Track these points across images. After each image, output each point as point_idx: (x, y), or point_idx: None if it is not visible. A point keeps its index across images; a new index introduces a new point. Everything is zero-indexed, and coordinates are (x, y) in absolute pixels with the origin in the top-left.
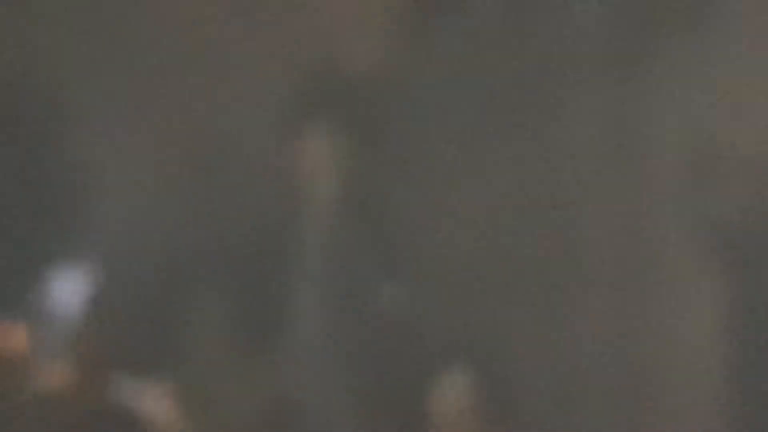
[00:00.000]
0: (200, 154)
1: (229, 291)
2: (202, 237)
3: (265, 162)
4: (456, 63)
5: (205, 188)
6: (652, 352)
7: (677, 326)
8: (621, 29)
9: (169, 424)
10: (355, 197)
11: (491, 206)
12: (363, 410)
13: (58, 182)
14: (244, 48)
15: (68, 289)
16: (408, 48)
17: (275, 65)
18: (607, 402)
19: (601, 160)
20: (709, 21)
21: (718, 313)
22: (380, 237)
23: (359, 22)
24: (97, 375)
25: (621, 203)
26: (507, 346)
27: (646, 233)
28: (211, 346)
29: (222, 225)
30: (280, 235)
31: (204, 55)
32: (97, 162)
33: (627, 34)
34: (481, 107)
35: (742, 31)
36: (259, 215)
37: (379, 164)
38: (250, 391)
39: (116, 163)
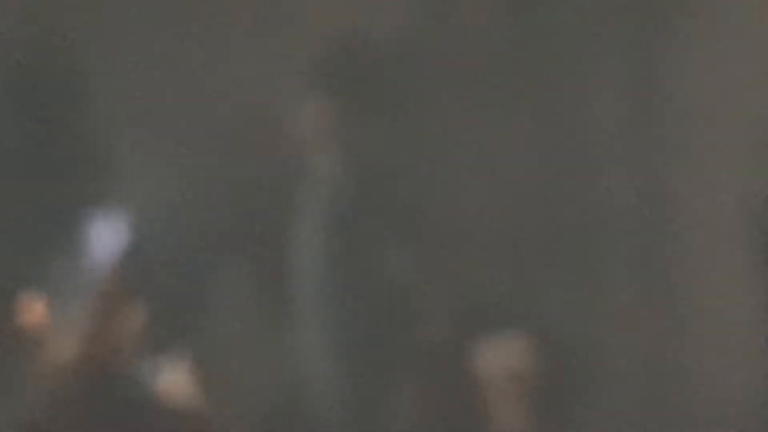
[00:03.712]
0: (214, 122)
1: (241, 261)
2: (215, 207)
3: (275, 129)
4: (468, 35)
5: (219, 156)
6: (681, 328)
7: (707, 305)
8: None
9: (185, 400)
10: (367, 167)
11: (507, 175)
12: (396, 376)
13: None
14: (258, 18)
15: (90, 258)
16: (420, 19)
17: (289, 36)
18: (639, 370)
19: (624, 131)
20: None
21: (754, 300)
22: (393, 204)
23: None
24: (117, 341)
25: (648, 172)
26: (543, 310)
27: (680, 210)
28: (227, 318)
29: (234, 194)
30: (294, 203)
31: (220, 24)
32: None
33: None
34: (494, 77)
35: None
36: (270, 184)
37: (391, 133)
38: (271, 365)
39: (132, 138)
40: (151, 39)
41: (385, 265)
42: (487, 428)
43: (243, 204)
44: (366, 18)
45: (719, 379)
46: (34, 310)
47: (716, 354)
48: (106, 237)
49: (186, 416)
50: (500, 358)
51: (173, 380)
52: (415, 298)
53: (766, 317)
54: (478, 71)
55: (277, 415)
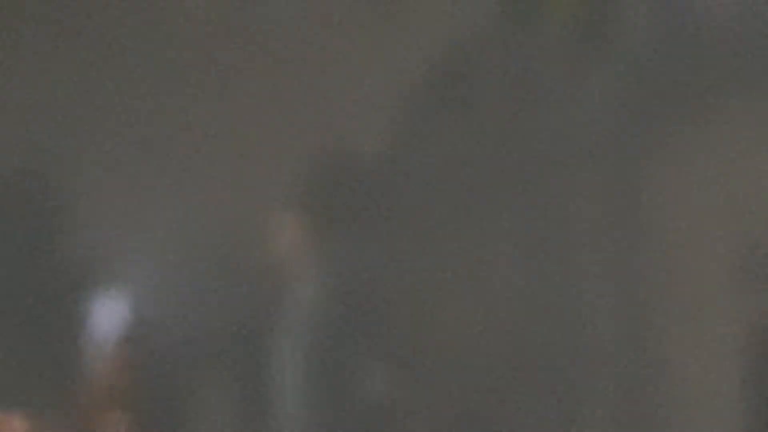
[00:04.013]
0: (190, 239)
1: (218, 379)
2: (192, 325)
3: (253, 246)
4: (451, 153)
5: (195, 273)
6: None
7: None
8: (634, 118)
9: None
10: (345, 284)
11: (491, 292)
12: None
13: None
14: (236, 133)
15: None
16: (402, 136)
17: (267, 151)
18: None
19: (613, 254)
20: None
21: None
22: (373, 323)
23: (352, 112)
24: None
25: (631, 297)
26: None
27: (661, 334)
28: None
29: (210, 311)
30: (272, 321)
31: (197, 137)
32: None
33: (638, 124)
34: (474, 197)
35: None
36: (245, 301)
37: (371, 251)
38: None
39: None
40: (126, 149)
41: (365, 385)
42: None
43: (219, 321)
44: (347, 134)
45: None
46: (9, 427)
47: None
48: (85, 348)
49: None
50: None
51: None
52: (396, 418)
53: None
54: (459, 191)
55: None
